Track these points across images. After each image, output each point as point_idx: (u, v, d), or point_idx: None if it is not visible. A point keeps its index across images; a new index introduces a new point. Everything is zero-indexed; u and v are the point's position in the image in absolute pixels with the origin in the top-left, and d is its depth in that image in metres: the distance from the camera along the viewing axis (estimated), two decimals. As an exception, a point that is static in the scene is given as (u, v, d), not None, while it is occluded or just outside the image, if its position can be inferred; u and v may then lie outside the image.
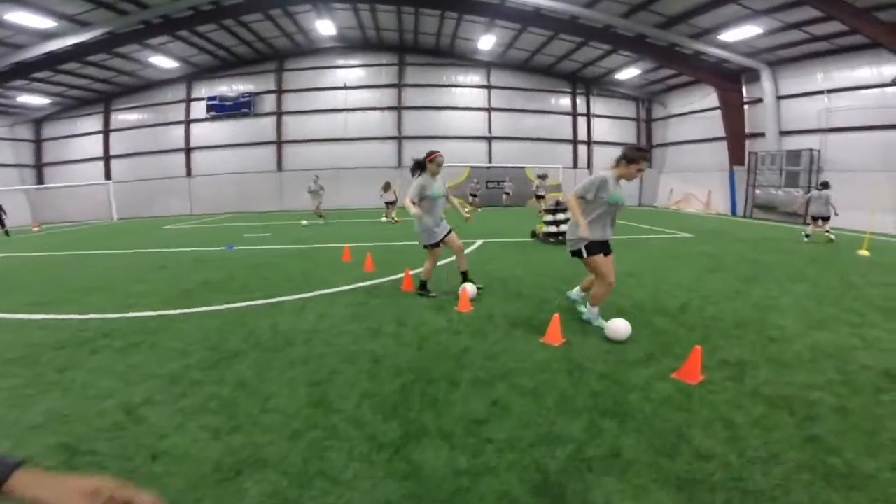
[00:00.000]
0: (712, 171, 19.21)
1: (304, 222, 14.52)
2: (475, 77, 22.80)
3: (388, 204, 14.60)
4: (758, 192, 16.62)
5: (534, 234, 9.67)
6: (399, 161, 22.43)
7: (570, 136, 23.84)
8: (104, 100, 22.61)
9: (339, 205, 21.99)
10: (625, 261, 6.85)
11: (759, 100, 16.58)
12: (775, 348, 3.38)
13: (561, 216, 8.93)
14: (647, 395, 2.63)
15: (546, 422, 2.35)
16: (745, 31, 13.97)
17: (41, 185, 22.95)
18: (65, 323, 4.37)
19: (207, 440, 2.22)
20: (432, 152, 4.66)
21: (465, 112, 22.72)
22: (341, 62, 22.31)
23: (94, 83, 20.66)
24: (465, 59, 22.26)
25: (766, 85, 16.08)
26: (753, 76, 16.60)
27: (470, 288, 4.67)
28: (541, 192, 15.62)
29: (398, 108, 22.49)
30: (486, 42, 19.21)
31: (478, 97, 22.88)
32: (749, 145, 17.55)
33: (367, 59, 22.29)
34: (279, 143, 22.61)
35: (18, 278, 6.99)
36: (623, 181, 3.66)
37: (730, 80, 17.25)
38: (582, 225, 3.49)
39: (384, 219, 14.61)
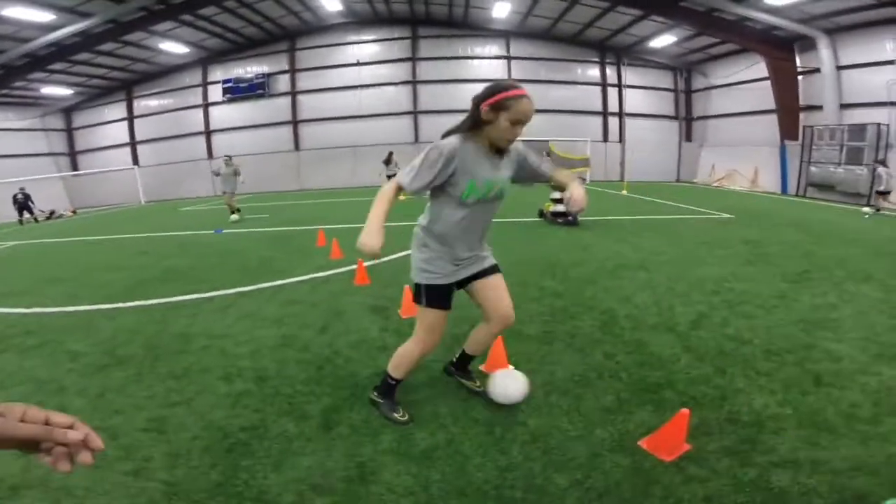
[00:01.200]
0: (760, 145, 17.39)
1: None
2: (493, 48, 21.56)
3: (389, 178, 14.01)
4: (813, 169, 14.88)
5: (541, 214, 8.85)
6: (416, 136, 21.82)
7: (599, 108, 22.35)
8: (125, 87, 23.05)
9: (355, 183, 21.77)
10: (640, 247, 5.98)
11: (816, 70, 14.66)
12: (819, 396, 2.22)
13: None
14: (583, 477, 1.74)
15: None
16: (796, -5, 12.21)
17: (72, 173, 23.93)
18: (4, 318, 4.22)
19: (14, 455, 1.90)
20: (507, 88, 1.83)
21: (484, 84, 21.41)
22: (353, 38, 21.61)
23: (112, 72, 20.98)
24: (481, 29, 21.03)
25: (824, 54, 14.15)
26: (808, 44, 14.63)
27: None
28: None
29: (413, 83, 21.68)
30: (501, 9, 17.93)
31: (497, 68, 21.64)
32: (804, 119, 15.64)
33: (379, 33, 21.48)
34: (295, 122, 22.44)
35: (6, 268, 7.06)
36: None
37: (781, 48, 15.28)
38: None
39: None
